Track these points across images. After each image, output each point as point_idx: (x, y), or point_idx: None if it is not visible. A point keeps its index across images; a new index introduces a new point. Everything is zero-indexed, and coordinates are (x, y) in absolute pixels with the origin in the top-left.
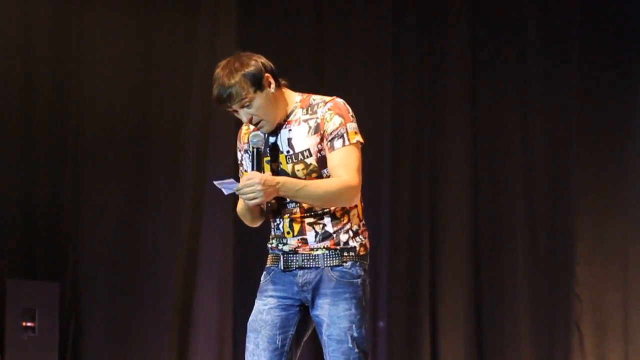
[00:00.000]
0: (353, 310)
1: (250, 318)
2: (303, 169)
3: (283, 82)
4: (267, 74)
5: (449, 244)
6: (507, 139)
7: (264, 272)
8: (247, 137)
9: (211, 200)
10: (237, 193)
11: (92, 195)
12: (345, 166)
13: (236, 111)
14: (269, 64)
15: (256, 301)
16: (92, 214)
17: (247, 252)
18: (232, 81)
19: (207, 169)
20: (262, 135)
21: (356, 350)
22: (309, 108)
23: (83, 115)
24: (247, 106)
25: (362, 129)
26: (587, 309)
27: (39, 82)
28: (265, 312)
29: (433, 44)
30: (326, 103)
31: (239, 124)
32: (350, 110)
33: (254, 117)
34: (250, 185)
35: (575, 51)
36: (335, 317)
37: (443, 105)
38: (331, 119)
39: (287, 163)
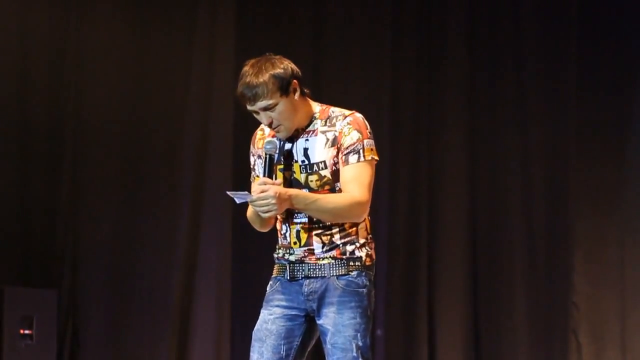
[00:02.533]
0: (358, 319)
1: (256, 327)
2: (317, 180)
3: (307, 91)
4: (294, 80)
5: (446, 253)
6: (505, 149)
7: (270, 282)
8: (262, 142)
9: (209, 205)
10: (251, 204)
11: (90, 202)
12: (357, 182)
13: (257, 112)
14: (297, 70)
15: (262, 311)
16: (89, 221)
17: (245, 258)
18: (260, 80)
19: (205, 174)
20: (276, 143)
21: (360, 359)
22: (328, 120)
23: (80, 120)
24: (270, 109)
25: None
26: (584, 318)
27: (36, 87)
28: (271, 321)
29: (431, 53)
30: (345, 117)
31: (238, 129)
32: (368, 127)
33: (274, 121)
34: (265, 198)
35: (573, 63)
36: (340, 326)
37: (441, 116)
38: (349, 134)
39: (301, 173)
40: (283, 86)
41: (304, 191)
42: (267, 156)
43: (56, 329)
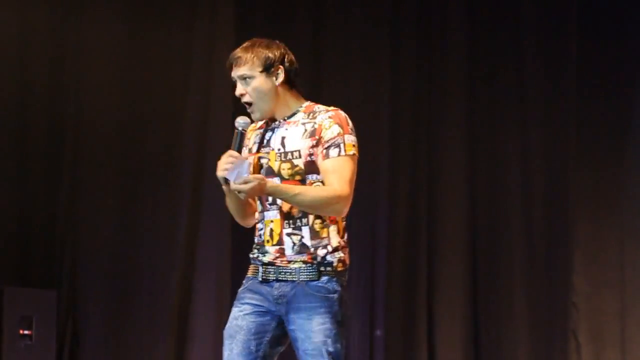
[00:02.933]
0: (328, 325)
1: (227, 325)
2: (289, 169)
3: (297, 87)
4: (280, 65)
5: (446, 254)
6: (504, 150)
7: (243, 281)
8: (251, 133)
9: (208, 205)
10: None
11: (89, 202)
12: (337, 175)
13: (236, 80)
14: (293, 63)
15: (232, 308)
16: (88, 221)
17: (245, 258)
18: (247, 48)
19: (204, 174)
20: (248, 122)
21: None
22: (311, 114)
23: (80, 120)
24: (246, 80)
25: (359, 139)
26: (584, 318)
27: (36, 88)
28: (241, 318)
29: (431, 54)
30: (327, 111)
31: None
32: (350, 124)
33: (247, 95)
34: (247, 181)
35: (573, 63)
36: (310, 332)
37: (440, 117)
38: (330, 127)
39: (276, 161)
40: (266, 64)
41: (285, 184)
42: (238, 131)
43: (56, 329)
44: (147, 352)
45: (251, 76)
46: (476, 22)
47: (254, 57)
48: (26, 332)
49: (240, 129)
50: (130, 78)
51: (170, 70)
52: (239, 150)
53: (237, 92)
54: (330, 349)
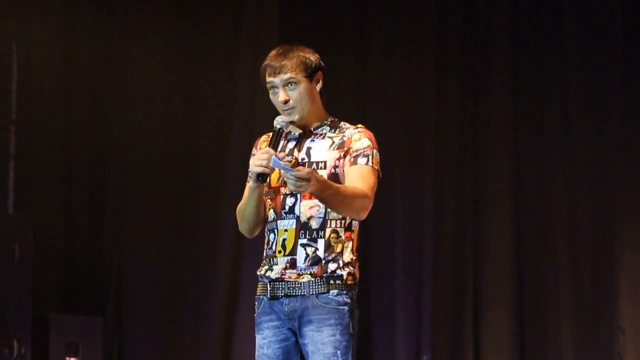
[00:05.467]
0: (338, 337)
1: (256, 355)
2: None
3: (325, 98)
4: (320, 72)
5: (492, 278)
6: (550, 173)
7: (255, 303)
8: (265, 144)
9: None
10: (285, 177)
11: (133, 229)
12: (364, 180)
13: (275, 87)
14: (324, 67)
15: (256, 335)
16: (133, 248)
17: None
18: (291, 54)
19: None
20: (287, 121)
21: None
22: (338, 129)
23: (124, 148)
24: (291, 85)
25: (404, 158)
26: (630, 342)
27: (80, 114)
28: (266, 346)
29: (476, 78)
30: (357, 127)
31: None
32: (376, 143)
33: (291, 100)
34: (300, 176)
35: (619, 82)
36: (319, 344)
37: (485, 141)
38: (360, 139)
39: None
40: (309, 70)
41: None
42: (277, 129)
43: (102, 356)
44: None
45: (297, 81)
46: (520, 47)
47: (299, 62)
48: (72, 359)
49: (279, 127)
50: (174, 103)
51: (213, 100)
52: (276, 148)
53: (281, 98)
54: None
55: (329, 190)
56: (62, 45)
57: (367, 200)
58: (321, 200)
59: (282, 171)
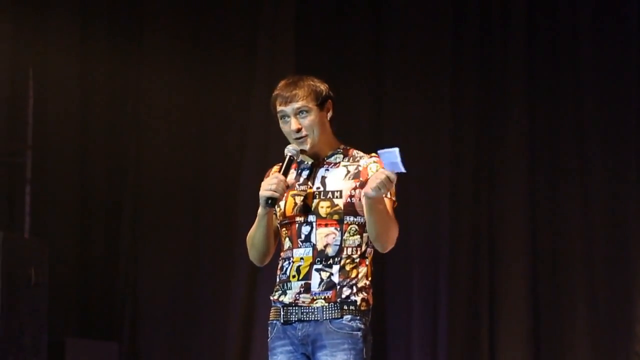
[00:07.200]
0: None
1: None
2: (327, 207)
3: (334, 128)
4: (330, 101)
5: (507, 301)
6: (566, 190)
7: (268, 328)
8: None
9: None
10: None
11: (149, 254)
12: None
13: (286, 116)
14: (333, 97)
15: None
16: (149, 273)
17: None
18: (302, 83)
19: None
20: (299, 150)
21: None
22: (352, 158)
23: (140, 174)
24: (303, 114)
25: (421, 175)
26: None
27: (96, 136)
28: None
29: (491, 93)
30: (371, 157)
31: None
32: None
33: (303, 128)
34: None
35: (635, 103)
36: None
37: (500, 160)
38: (377, 170)
39: (314, 199)
40: (320, 99)
41: None
42: (288, 157)
43: None
44: None
45: (309, 110)
46: (536, 64)
47: (310, 91)
48: None
49: (289, 155)
50: (188, 133)
51: (228, 127)
52: (286, 176)
53: (293, 127)
54: None
55: (382, 205)
56: (78, 70)
57: (396, 231)
58: (371, 212)
59: (386, 166)
